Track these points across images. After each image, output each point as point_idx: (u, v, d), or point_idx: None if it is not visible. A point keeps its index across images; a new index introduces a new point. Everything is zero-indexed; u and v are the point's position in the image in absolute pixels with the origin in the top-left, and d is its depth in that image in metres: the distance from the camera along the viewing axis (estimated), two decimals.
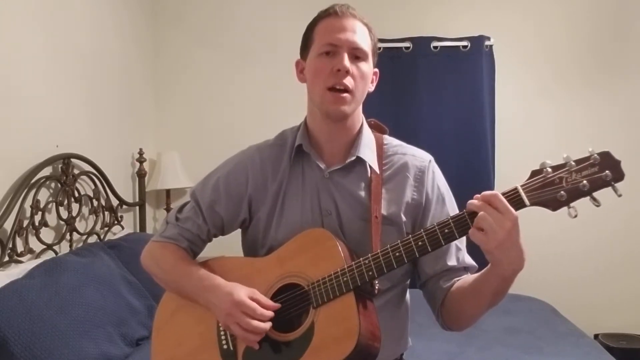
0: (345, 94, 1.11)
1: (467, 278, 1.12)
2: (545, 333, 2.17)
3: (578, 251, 3.03)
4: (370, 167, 1.17)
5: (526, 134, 3.06)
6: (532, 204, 0.91)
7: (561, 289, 2.93)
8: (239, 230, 1.29)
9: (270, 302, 1.07)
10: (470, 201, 0.94)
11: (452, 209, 1.20)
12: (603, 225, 2.95)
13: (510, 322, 2.28)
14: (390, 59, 3.00)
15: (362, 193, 1.16)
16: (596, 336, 2.88)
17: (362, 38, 1.13)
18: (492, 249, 0.92)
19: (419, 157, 1.22)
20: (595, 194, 0.88)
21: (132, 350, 1.90)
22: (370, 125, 1.26)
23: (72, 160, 2.35)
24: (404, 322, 1.24)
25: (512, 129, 3.06)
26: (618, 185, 0.88)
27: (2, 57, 1.99)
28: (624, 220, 2.98)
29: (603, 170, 0.87)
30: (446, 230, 0.96)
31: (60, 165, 2.28)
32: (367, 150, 1.18)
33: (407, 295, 1.26)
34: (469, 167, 2.93)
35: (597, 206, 0.89)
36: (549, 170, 0.90)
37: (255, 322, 1.03)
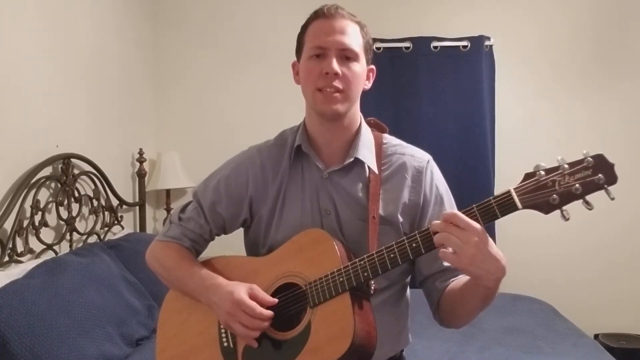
0: (336, 94, 1.11)
1: (459, 281, 1.13)
2: (545, 333, 2.17)
3: (578, 251, 3.03)
4: (368, 167, 1.17)
5: (526, 134, 3.05)
6: (524, 207, 0.91)
7: (561, 289, 2.94)
8: (241, 229, 1.30)
9: (268, 297, 1.08)
10: (434, 222, 0.95)
11: (451, 209, 1.19)
12: (603, 225, 2.95)
13: (510, 322, 2.28)
14: (390, 59, 3.00)
15: (361, 193, 1.16)
16: (596, 336, 2.87)
17: (351, 38, 1.13)
18: (466, 265, 0.93)
19: (417, 157, 1.22)
20: (589, 197, 0.88)
21: (132, 350, 1.90)
22: (370, 125, 1.26)
23: (72, 160, 2.35)
24: (403, 319, 1.25)
25: (512, 129, 3.06)
26: (615, 186, 0.87)
27: (3, 57, 1.99)
28: (624, 220, 2.98)
29: (596, 174, 0.86)
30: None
31: (60, 165, 2.28)
32: (366, 150, 1.18)
33: (408, 292, 1.27)
34: (469, 167, 2.93)
35: (590, 209, 0.88)
36: (542, 173, 0.89)
37: (255, 321, 1.05)
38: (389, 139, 1.25)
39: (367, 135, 1.21)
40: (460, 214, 0.92)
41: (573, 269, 3.04)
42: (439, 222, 0.94)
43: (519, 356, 1.95)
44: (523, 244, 2.94)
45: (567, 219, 0.88)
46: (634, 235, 3.01)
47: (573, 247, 3.02)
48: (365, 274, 1.01)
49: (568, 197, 0.88)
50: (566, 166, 0.88)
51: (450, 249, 0.93)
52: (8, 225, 1.97)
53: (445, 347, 2.00)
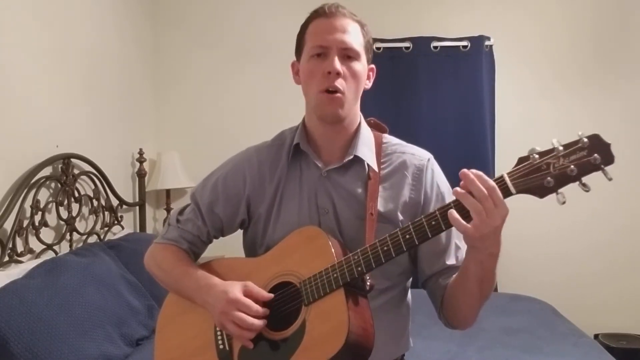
0: (338, 94, 1.11)
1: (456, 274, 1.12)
2: (545, 333, 2.17)
3: (578, 251, 3.03)
4: (368, 165, 1.17)
5: (526, 134, 3.05)
6: (518, 192, 0.89)
7: (561, 289, 2.93)
8: (239, 231, 1.29)
9: (263, 292, 1.07)
10: (470, 179, 0.90)
11: None
12: (603, 225, 2.94)
13: (510, 322, 2.28)
14: (390, 59, 3.00)
15: (360, 191, 1.16)
16: (596, 336, 2.87)
17: (352, 37, 1.12)
18: (474, 240, 0.91)
19: (417, 155, 1.21)
20: (586, 181, 0.85)
21: (132, 350, 1.90)
22: (370, 125, 1.26)
23: (72, 160, 2.35)
24: (404, 323, 1.24)
25: (512, 129, 3.06)
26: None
27: (2, 58, 1.99)
28: (624, 220, 2.97)
29: (592, 154, 0.83)
30: (433, 222, 0.95)
31: (60, 165, 2.28)
32: (365, 148, 1.18)
33: (409, 296, 1.26)
34: (469, 167, 2.89)
35: (587, 191, 0.85)
36: (536, 156, 0.87)
37: (250, 319, 1.03)
38: (388, 138, 1.25)
39: (366, 134, 1.21)
40: (499, 190, 0.89)
41: (573, 269, 3.03)
42: (481, 187, 0.89)
43: (518, 356, 1.94)
44: (523, 244, 2.94)
45: (563, 203, 0.86)
46: (634, 235, 3.00)
47: (573, 246, 3.02)
48: (359, 269, 1.00)
49: (563, 179, 0.85)
50: (561, 148, 0.86)
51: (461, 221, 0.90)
52: (8, 225, 1.97)
53: (445, 347, 1.99)
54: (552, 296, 2.69)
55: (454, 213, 0.91)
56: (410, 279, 1.26)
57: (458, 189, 0.91)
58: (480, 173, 0.91)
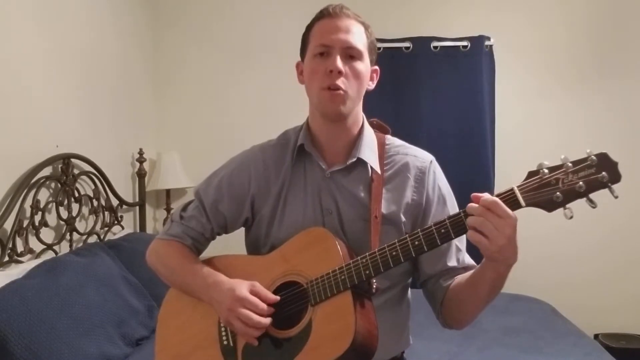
0: (339, 92, 1.11)
1: (464, 275, 1.13)
2: (545, 333, 2.17)
3: (578, 251, 3.03)
4: (371, 167, 1.18)
5: (526, 134, 3.05)
6: (527, 205, 0.91)
7: (561, 289, 2.93)
8: (242, 228, 1.30)
9: (270, 295, 1.08)
10: (470, 205, 0.94)
11: (453, 209, 1.20)
12: (603, 225, 2.94)
13: (510, 322, 2.28)
14: (390, 59, 3.00)
15: (363, 193, 1.17)
16: (596, 336, 2.87)
17: (355, 37, 1.13)
18: (492, 253, 0.93)
19: (420, 157, 1.22)
20: (592, 195, 0.88)
21: (132, 350, 1.90)
22: (373, 125, 1.26)
23: (72, 160, 2.35)
24: (404, 321, 1.25)
25: (512, 129, 3.06)
26: (615, 186, 0.87)
27: (2, 57, 1.99)
28: (623, 220, 2.97)
29: (600, 172, 0.87)
30: (442, 230, 0.97)
31: (60, 165, 2.28)
32: (368, 150, 1.19)
33: (409, 294, 1.27)
34: (469, 167, 2.93)
35: (593, 207, 0.89)
36: (546, 171, 0.90)
37: (256, 317, 1.05)
38: (391, 139, 1.26)
39: (369, 136, 1.22)
40: (500, 202, 0.91)
41: (573, 269, 3.03)
42: (476, 206, 0.93)
43: (518, 356, 1.95)
44: (523, 244, 2.90)
45: (570, 217, 0.88)
46: (634, 235, 3.01)
47: (573, 247, 3.02)
48: (367, 272, 1.01)
49: (572, 195, 0.88)
50: (570, 164, 0.88)
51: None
52: (8, 225, 1.97)
53: (445, 348, 1.99)
54: (552, 296, 2.69)
55: (471, 232, 0.93)
56: (411, 278, 1.26)
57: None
58: (476, 195, 0.94)
